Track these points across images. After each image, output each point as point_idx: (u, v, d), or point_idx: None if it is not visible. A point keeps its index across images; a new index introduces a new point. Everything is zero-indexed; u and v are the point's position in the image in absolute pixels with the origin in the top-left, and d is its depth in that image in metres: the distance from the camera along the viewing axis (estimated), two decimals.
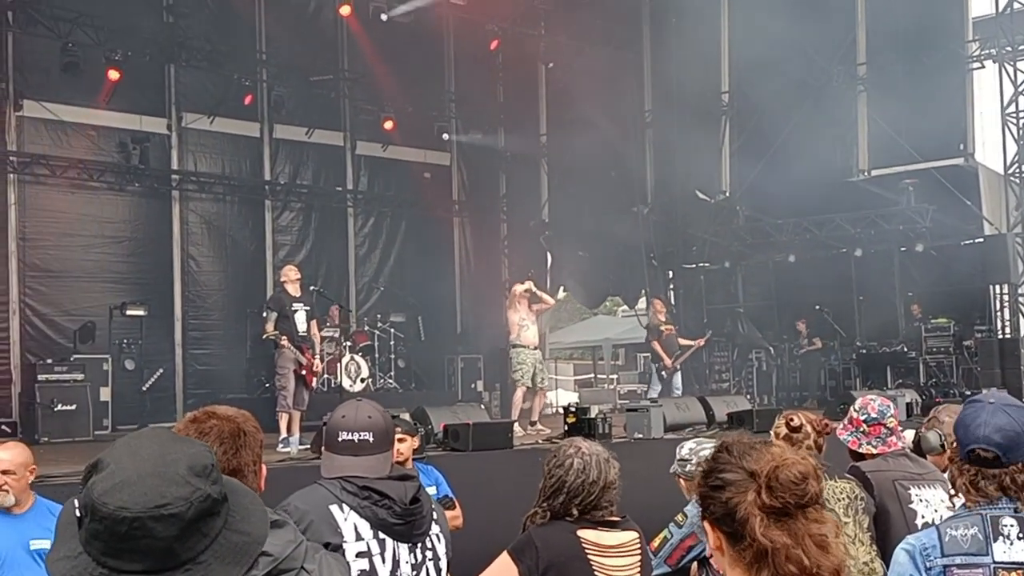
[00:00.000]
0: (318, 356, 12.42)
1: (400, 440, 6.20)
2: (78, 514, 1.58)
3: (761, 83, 18.85)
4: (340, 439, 3.28)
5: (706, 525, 2.12)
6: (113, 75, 16.14)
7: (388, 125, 19.76)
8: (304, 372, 11.64)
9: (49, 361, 14.62)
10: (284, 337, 11.46)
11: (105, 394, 14.73)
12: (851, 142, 18.98)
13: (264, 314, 12.30)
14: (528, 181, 22.64)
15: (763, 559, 1.98)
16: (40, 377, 14.08)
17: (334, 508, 3.16)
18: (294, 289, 11.97)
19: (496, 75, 22.36)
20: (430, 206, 21.24)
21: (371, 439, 3.28)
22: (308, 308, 11.96)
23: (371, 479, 3.22)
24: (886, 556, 4.03)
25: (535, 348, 13.71)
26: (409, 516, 3.23)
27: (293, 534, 1.97)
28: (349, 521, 3.16)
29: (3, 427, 13.61)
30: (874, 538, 4.49)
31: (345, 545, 3.14)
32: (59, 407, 13.68)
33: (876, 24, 18.61)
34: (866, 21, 18.70)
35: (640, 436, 11.32)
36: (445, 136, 21.07)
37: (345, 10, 18.57)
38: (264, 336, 11.91)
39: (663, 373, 16.69)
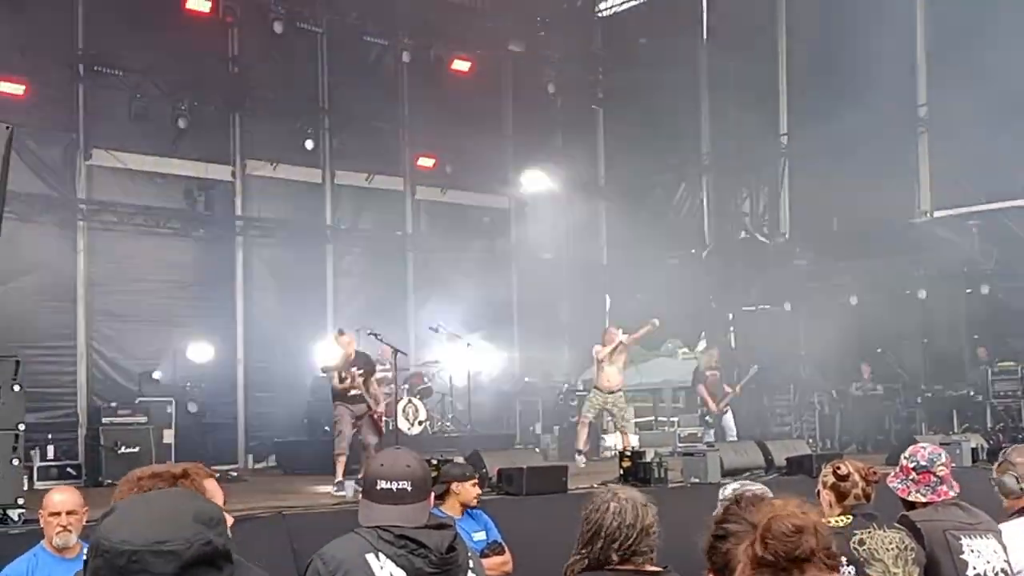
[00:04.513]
0: (380, 406, 12.51)
1: (474, 485, 6.47)
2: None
3: (820, 124, 18.74)
4: (378, 488, 3.30)
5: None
6: (180, 124, 16.58)
7: (447, 170, 19.98)
8: (364, 418, 11.85)
9: (114, 404, 14.86)
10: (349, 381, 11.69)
11: (168, 436, 14.92)
12: (913, 183, 18.75)
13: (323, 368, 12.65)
14: (587, 223, 22.70)
15: None
16: (104, 420, 14.32)
17: (370, 557, 3.18)
18: (347, 354, 12.12)
19: (554, 119, 22.52)
20: (489, 249, 21.36)
21: (409, 488, 3.29)
22: (363, 369, 12.07)
23: (408, 528, 3.23)
24: None
25: None
26: (445, 565, 3.23)
27: None
28: (385, 570, 3.16)
29: (68, 469, 13.88)
30: None
31: None
32: (123, 449, 13.89)
33: (936, 64, 18.44)
34: (926, 61, 18.55)
35: (697, 480, 11.23)
36: (504, 180, 21.24)
37: (406, 57, 18.85)
38: (322, 369, 12.24)
39: (708, 418, 16.73)
